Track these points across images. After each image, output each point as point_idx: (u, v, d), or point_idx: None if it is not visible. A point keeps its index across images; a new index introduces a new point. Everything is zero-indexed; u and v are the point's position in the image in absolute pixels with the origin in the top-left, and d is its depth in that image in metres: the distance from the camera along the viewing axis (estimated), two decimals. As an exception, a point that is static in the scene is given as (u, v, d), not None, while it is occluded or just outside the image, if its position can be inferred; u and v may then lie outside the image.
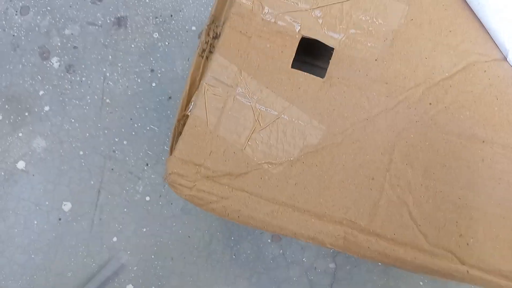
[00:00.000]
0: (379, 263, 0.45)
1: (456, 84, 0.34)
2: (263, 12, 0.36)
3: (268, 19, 0.36)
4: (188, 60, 0.49)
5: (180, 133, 0.39)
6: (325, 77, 0.35)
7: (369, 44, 0.35)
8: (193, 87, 0.39)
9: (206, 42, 0.40)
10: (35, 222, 0.47)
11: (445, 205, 0.32)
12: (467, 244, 0.31)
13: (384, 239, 0.32)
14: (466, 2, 0.35)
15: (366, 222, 0.32)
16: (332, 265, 0.45)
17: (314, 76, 0.35)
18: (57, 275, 0.47)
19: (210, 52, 0.40)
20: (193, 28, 0.48)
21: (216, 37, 0.41)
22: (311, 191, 0.34)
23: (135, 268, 0.47)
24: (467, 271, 0.30)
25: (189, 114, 0.38)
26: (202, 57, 0.40)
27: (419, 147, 0.33)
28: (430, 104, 0.34)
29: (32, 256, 0.47)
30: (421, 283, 0.44)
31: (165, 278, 0.47)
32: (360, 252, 0.32)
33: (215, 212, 0.35)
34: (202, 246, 0.47)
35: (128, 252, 0.47)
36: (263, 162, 0.35)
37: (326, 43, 0.35)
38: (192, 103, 0.38)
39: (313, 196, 0.33)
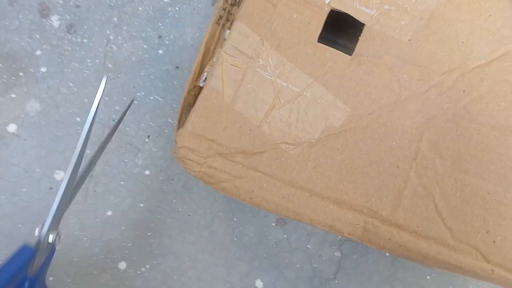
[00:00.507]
0: (387, 254, 0.43)
1: (493, 72, 0.32)
2: (292, -22, 0.33)
3: (296, -13, 0.33)
4: (199, 28, 0.45)
5: (190, 105, 0.36)
6: (353, 55, 0.33)
7: (403, 23, 0.33)
8: (207, 56, 0.37)
9: (224, 8, 0.37)
10: (24, 189, 0.44)
11: (473, 199, 0.30)
12: (494, 241, 0.29)
13: (407, 231, 0.30)
14: (510, -16, 0.33)
15: (388, 212, 0.30)
16: (337, 254, 0.44)
17: (342, 53, 0.33)
18: None
19: (227, 20, 0.37)
20: (207, -7, 0.45)
21: (235, 3, 0.37)
22: (331, 176, 0.31)
23: (129, 244, 0.44)
24: (492, 270, 0.29)
25: (201, 85, 0.35)
26: (219, 24, 0.37)
27: (449, 136, 0.31)
28: (463, 91, 0.32)
29: (19, 225, 0.44)
30: (428, 277, 0.43)
31: (161, 257, 0.45)
32: (380, 243, 0.30)
33: (226, 192, 0.32)
34: (203, 225, 0.44)
35: (123, 228, 0.44)
36: (281, 141, 0.32)
37: (357, 18, 0.33)
38: (206, 74, 0.35)
39: (333, 182, 0.31)
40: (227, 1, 0.37)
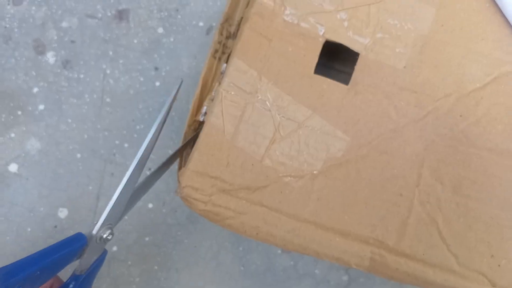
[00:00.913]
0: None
1: (488, 96, 0.32)
2: (285, 13, 0.33)
3: (290, 21, 0.33)
4: (195, 58, 0.46)
5: (191, 140, 0.36)
6: (349, 84, 0.33)
7: (397, 50, 0.33)
8: (205, 90, 0.37)
9: (219, 42, 0.37)
10: (29, 229, 0.44)
11: (476, 225, 0.30)
12: (499, 265, 0.30)
13: (413, 260, 0.30)
14: (499, 8, 0.33)
15: (394, 241, 0.31)
16: (345, 277, 0.44)
17: (338, 83, 0.33)
18: None
19: (223, 53, 0.38)
20: (201, 23, 0.45)
21: (230, 36, 0.38)
22: (335, 208, 0.32)
23: (137, 279, 0.44)
24: (499, 294, 0.29)
25: (200, 119, 0.36)
26: (215, 58, 0.37)
27: (449, 162, 0.31)
28: (460, 116, 0.32)
29: None
30: None
31: None
32: (388, 273, 0.30)
33: (232, 229, 0.32)
34: (210, 256, 0.44)
35: (129, 263, 0.44)
36: (284, 175, 0.32)
37: (351, 48, 0.33)
38: (205, 108, 0.35)
39: (337, 213, 0.32)
40: (222, 34, 0.38)
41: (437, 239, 0.30)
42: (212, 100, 0.34)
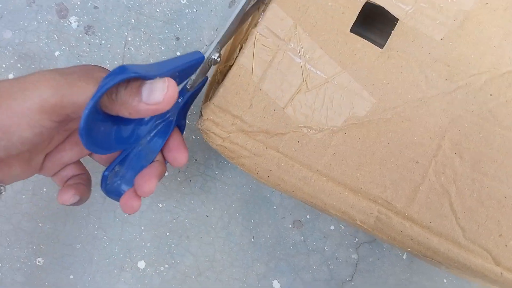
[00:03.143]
0: (404, 257, 0.43)
1: (522, 79, 0.32)
2: (331, -33, 0.33)
3: (335, -24, 0.33)
4: (216, 30, 0.46)
5: (218, 83, 0.37)
6: (384, 48, 0.33)
7: (437, 21, 0.33)
8: (239, 36, 0.37)
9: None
10: (45, 189, 0.45)
11: (489, 202, 0.30)
12: (506, 245, 0.29)
13: (419, 225, 0.30)
14: (549, -6, 0.33)
15: (402, 205, 0.31)
16: (354, 256, 0.44)
17: (373, 45, 0.33)
18: (66, 245, 0.45)
19: (263, 2, 0.38)
20: (224, -5, 0.46)
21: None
22: (350, 164, 0.32)
23: (148, 244, 0.45)
24: (501, 273, 0.29)
25: (231, 64, 0.36)
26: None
27: (472, 138, 0.31)
28: (491, 95, 0.32)
29: (40, 224, 0.46)
30: (444, 280, 0.43)
31: (179, 257, 0.45)
32: (391, 234, 0.30)
33: (244, 168, 0.33)
34: (220, 226, 0.45)
35: (142, 227, 0.45)
36: (304, 125, 0.33)
37: (391, 12, 0.33)
38: (238, 53, 0.36)
39: (351, 170, 0.32)
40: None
41: (447, 210, 0.30)
42: (245, 43, 0.35)
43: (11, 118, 0.23)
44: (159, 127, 0.32)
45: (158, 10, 0.46)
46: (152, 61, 0.46)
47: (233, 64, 0.34)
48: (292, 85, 0.33)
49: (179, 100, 0.32)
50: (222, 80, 0.34)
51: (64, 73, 0.25)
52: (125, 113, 0.25)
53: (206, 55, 0.31)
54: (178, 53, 0.46)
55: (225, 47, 0.38)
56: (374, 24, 0.40)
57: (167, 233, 0.45)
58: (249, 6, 0.33)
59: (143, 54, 0.45)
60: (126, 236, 0.45)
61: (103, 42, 0.46)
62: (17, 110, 0.23)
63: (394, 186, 0.31)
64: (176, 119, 0.32)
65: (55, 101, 0.24)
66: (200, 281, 0.45)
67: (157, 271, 0.45)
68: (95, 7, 0.46)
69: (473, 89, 0.32)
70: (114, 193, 0.32)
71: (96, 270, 0.45)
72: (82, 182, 0.31)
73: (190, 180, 0.45)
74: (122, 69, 0.24)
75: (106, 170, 0.31)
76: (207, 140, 0.33)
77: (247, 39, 0.35)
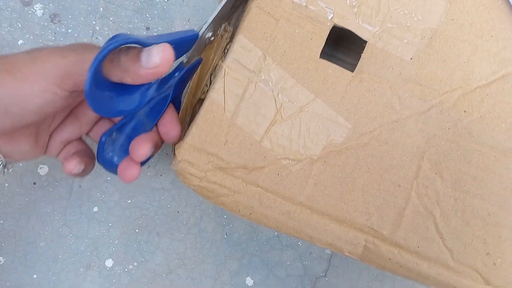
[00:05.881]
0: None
1: (494, 93, 0.32)
2: (296, -6, 0.33)
3: (299, 2, 0.33)
4: (188, 21, 0.45)
5: (191, 118, 0.36)
6: (355, 72, 0.33)
7: (405, 41, 0.33)
8: (205, 66, 0.36)
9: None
10: (6, 184, 0.43)
11: (474, 221, 0.30)
12: (494, 263, 0.29)
13: (407, 251, 0.30)
14: (511, 6, 0.33)
15: (389, 231, 0.30)
16: (328, 251, 0.43)
17: (344, 69, 0.33)
18: (29, 243, 0.43)
19: (225, 31, 0.37)
20: (197, -15, 0.45)
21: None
22: (332, 194, 0.31)
23: (116, 241, 0.44)
24: (492, 293, 0.29)
25: (202, 97, 0.35)
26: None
27: (450, 156, 0.31)
28: (464, 111, 0.32)
29: (1, 221, 0.43)
30: None
31: (149, 254, 0.44)
32: (381, 263, 0.30)
33: (225, 207, 0.32)
34: (192, 222, 0.44)
35: (109, 224, 0.43)
36: (282, 157, 0.32)
37: (359, 35, 0.33)
38: (208, 86, 0.35)
39: (334, 199, 0.31)
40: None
41: (433, 232, 0.30)
42: (215, 77, 0.34)
43: (25, 86, 0.25)
44: (157, 99, 0.33)
45: (127, -1, 0.44)
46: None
47: (204, 99, 0.33)
48: (267, 117, 0.32)
49: (176, 74, 0.33)
50: (193, 117, 0.33)
51: (70, 47, 0.28)
52: (128, 79, 0.27)
53: (200, 33, 0.32)
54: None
55: (192, 78, 0.37)
56: (344, 44, 0.40)
57: (136, 230, 0.44)
58: None
59: (111, 44, 0.44)
60: (93, 233, 0.44)
61: (69, 31, 0.44)
62: (31, 78, 0.25)
63: (378, 212, 0.30)
64: (172, 93, 0.33)
65: (67, 68, 0.26)
66: (171, 279, 0.43)
67: (126, 270, 0.44)
68: (62, -6, 0.44)
69: (447, 106, 0.32)
70: (110, 163, 0.33)
71: (61, 269, 0.43)
72: (86, 155, 0.33)
73: (161, 175, 0.44)
74: (122, 35, 0.26)
75: (103, 135, 0.32)
76: (184, 182, 0.32)
77: (215, 71, 0.34)
